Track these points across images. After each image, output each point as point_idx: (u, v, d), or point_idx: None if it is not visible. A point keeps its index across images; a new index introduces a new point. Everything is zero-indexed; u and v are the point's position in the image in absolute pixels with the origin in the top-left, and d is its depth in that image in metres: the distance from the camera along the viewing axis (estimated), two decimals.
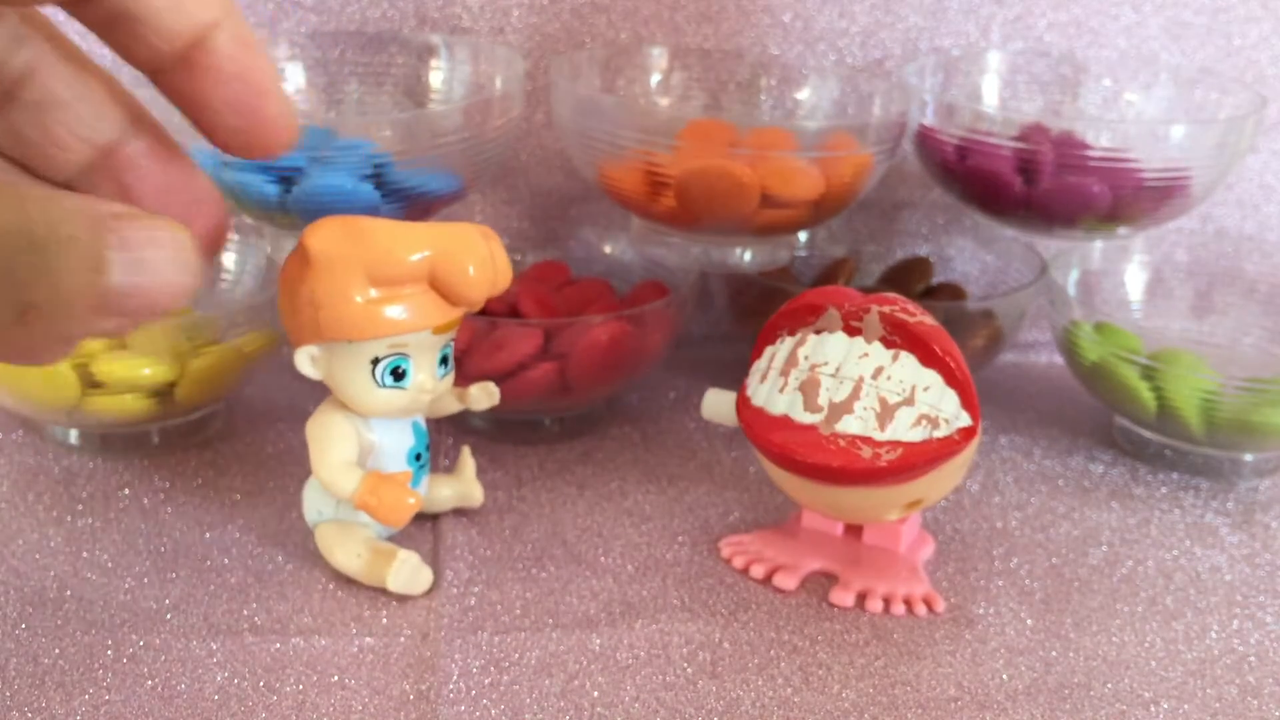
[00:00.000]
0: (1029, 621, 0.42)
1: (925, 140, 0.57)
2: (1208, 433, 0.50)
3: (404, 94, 0.58)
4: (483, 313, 0.43)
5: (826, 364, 0.39)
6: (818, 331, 0.40)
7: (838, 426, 0.38)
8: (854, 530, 0.45)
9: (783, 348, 0.40)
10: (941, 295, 0.60)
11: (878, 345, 0.38)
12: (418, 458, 0.43)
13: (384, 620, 0.40)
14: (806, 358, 0.39)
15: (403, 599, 0.42)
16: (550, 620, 0.41)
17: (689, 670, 0.39)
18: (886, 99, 0.57)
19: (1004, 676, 0.39)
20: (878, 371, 0.38)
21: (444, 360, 0.41)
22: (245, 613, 0.41)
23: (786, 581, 0.43)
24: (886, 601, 0.42)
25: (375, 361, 0.39)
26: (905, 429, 0.38)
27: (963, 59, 0.63)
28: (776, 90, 0.62)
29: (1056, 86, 0.64)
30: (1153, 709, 0.38)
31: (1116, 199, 0.53)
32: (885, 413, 0.38)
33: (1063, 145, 0.54)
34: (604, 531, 0.46)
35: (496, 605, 0.41)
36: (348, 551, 0.42)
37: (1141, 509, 0.50)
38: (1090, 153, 0.53)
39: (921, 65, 0.61)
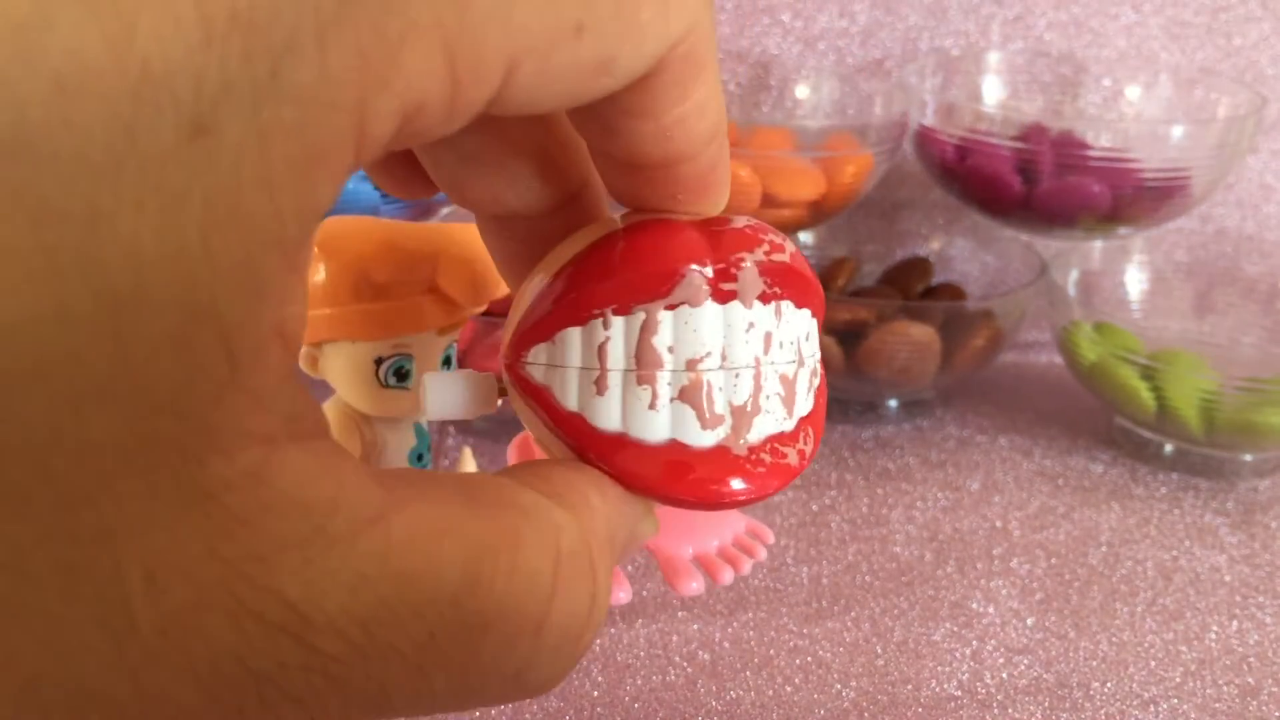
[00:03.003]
0: (1029, 621, 0.42)
1: (925, 140, 0.57)
2: (1207, 433, 0.50)
3: None
4: (485, 313, 0.44)
5: (709, 355, 0.25)
6: (672, 306, 0.25)
7: (750, 436, 0.26)
8: None
9: (615, 335, 0.25)
10: (941, 295, 0.60)
11: (758, 305, 0.26)
12: (419, 458, 0.43)
13: None
14: (671, 350, 0.25)
15: None
16: None
17: (689, 670, 0.39)
18: (887, 99, 0.57)
19: (1004, 676, 0.39)
20: (768, 342, 0.26)
21: (447, 361, 0.41)
22: None
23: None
24: (729, 560, 0.36)
25: (379, 362, 0.40)
26: (805, 399, 0.27)
27: (963, 59, 0.63)
28: (776, 90, 0.62)
29: (1056, 86, 0.64)
30: (1153, 709, 0.38)
31: (1116, 199, 0.53)
32: (789, 394, 0.26)
33: (1063, 145, 0.54)
34: None
35: None
36: None
37: (1141, 509, 0.50)
38: (1090, 153, 0.53)
39: (921, 65, 0.61)
